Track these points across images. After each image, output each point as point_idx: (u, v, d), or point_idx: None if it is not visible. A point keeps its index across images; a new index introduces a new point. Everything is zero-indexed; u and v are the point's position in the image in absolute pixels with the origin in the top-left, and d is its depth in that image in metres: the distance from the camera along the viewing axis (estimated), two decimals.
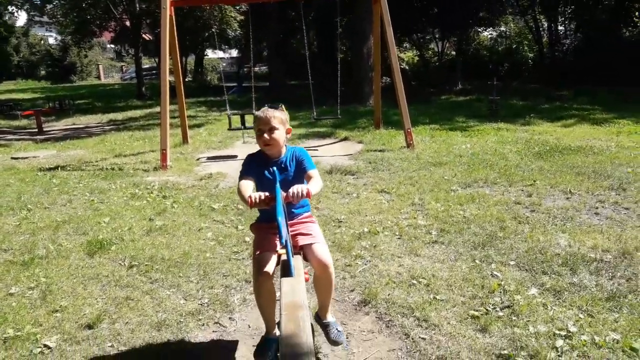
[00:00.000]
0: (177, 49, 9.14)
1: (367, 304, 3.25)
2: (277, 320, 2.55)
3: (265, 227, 2.56)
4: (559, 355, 2.57)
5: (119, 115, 15.70)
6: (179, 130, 9.98)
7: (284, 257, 2.20)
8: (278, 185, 2.23)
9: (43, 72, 37.91)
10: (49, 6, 24.19)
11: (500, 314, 2.98)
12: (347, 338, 2.92)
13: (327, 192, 5.83)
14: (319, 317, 2.70)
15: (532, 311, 2.98)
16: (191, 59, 34.09)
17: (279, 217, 1.96)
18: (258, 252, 2.41)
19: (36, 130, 12.88)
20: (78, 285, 3.67)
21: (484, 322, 2.88)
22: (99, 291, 3.58)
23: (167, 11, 8.05)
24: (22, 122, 14.73)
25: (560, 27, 21.82)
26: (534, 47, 22.37)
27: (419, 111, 12.21)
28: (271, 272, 2.33)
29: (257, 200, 2.19)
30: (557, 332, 2.75)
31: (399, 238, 4.29)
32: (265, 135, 2.47)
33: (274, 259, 2.38)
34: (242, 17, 22.15)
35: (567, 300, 3.09)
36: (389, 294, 3.32)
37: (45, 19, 27.22)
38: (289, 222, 2.37)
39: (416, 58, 26.09)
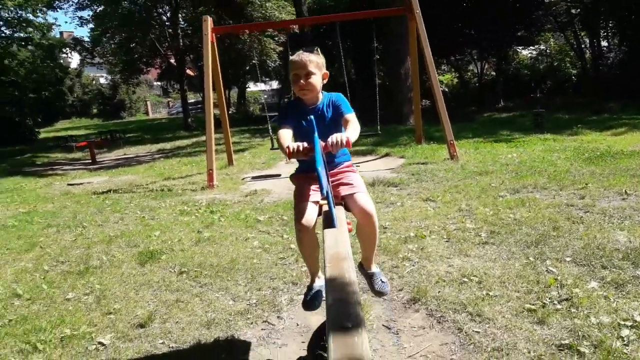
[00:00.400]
0: (221, 82, 9.43)
1: (416, 301, 3.18)
2: (321, 268, 2.52)
3: (305, 177, 2.44)
4: (625, 344, 2.43)
5: (167, 145, 16.25)
6: (224, 155, 10.22)
7: (325, 207, 2.11)
8: (316, 134, 2.12)
9: (95, 110, 39.86)
10: (98, 47, 25.56)
11: (559, 306, 2.85)
12: (397, 334, 2.86)
13: None
14: (363, 268, 2.59)
15: (593, 303, 2.84)
16: (234, 92, 35.11)
17: (318, 168, 1.88)
18: (298, 203, 2.32)
19: (90, 161, 13.48)
20: (130, 291, 3.76)
21: (541, 315, 2.77)
22: (150, 295, 3.66)
23: (209, 37, 8.37)
24: (77, 154, 15.48)
25: (603, 43, 21.29)
26: (577, 63, 21.84)
27: (461, 128, 12.05)
28: (313, 223, 2.24)
29: (296, 151, 2.11)
30: (622, 322, 2.61)
31: (447, 241, 4.21)
32: (302, 80, 2.35)
33: (314, 208, 2.28)
34: (281, 49, 22.74)
35: (630, 293, 2.93)
36: (439, 292, 3.24)
37: (96, 60, 28.77)
38: (329, 172, 2.28)
39: (455, 80, 25.94)
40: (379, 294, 2.56)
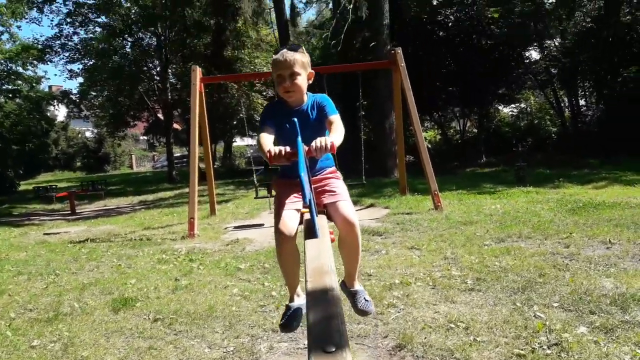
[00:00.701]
0: (207, 134, 9.44)
1: (402, 348, 3.04)
2: (301, 284, 2.36)
3: (287, 183, 2.31)
4: None
5: (149, 197, 16.06)
6: (207, 205, 10.09)
7: (307, 216, 1.99)
8: (299, 139, 1.98)
9: (79, 164, 39.64)
10: (86, 99, 25.75)
11: (548, 351, 2.74)
12: None
13: None
14: (345, 285, 2.42)
15: (583, 348, 2.73)
16: (220, 146, 35.32)
17: (301, 174, 1.78)
18: (278, 210, 2.20)
19: (69, 212, 13.21)
20: (100, 338, 3.56)
21: None
22: (122, 342, 3.46)
23: (197, 87, 8.46)
24: (57, 205, 15.18)
25: (581, 101, 22.00)
26: (557, 121, 22.48)
27: (444, 181, 12.13)
28: (294, 231, 2.10)
29: (278, 155, 1.99)
30: None
31: (432, 288, 4.09)
32: (287, 82, 2.23)
33: (296, 216, 2.15)
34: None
35: (620, 337, 2.83)
36: (425, 338, 3.11)
37: (83, 113, 28.90)
38: (312, 178, 2.16)
39: (438, 136, 26.45)
40: (363, 313, 2.40)
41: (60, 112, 32.26)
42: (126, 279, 5.19)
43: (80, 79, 24.35)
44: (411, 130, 8.87)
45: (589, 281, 3.84)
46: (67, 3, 20.27)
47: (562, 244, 5.20)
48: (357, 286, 2.42)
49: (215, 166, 24.49)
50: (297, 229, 2.14)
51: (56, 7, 20.50)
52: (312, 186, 2.10)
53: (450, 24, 20.03)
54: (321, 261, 1.54)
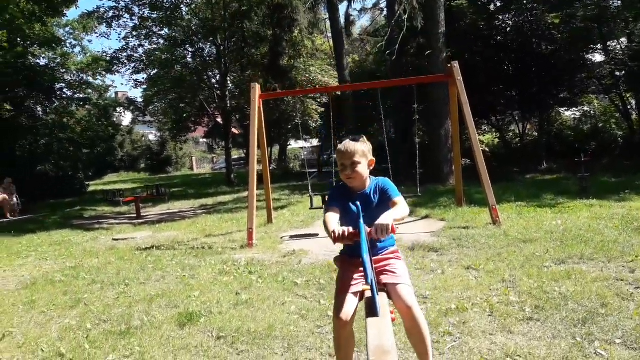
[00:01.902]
0: (265, 141, 9.76)
1: None
2: None
3: (348, 262, 2.48)
4: None
5: (209, 201, 16.66)
6: (264, 212, 10.39)
7: (368, 293, 2.10)
8: (362, 221, 2.15)
9: (143, 165, 41.56)
10: (150, 107, 27.03)
11: None
12: None
13: (410, 268, 5.72)
14: None
15: None
16: (275, 149, 36.01)
17: (364, 255, 1.91)
18: (339, 293, 2.35)
19: (135, 215, 13.93)
20: (169, 355, 3.80)
21: None
22: None
23: (256, 103, 8.74)
24: (123, 208, 16.07)
25: None
26: (623, 125, 21.36)
27: (503, 189, 11.86)
28: (350, 315, 2.24)
29: (341, 236, 2.14)
30: None
31: (489, 315, 4.08)
32: (348, 170, 2.44)
33: (354, 301, 2.30)
34: (323, 109, 23.40)
35: None
36: None
37: (147, 118, 30.33)
38: (374, 258, 2.30)
39: (496, 140, 25.74)
40: None
41: (125, 117, 34.04)
42: (190, 291, 5.47)
43: (145, 87, 25.60)
44: (468, 135, 8.77)
45: None
46: (133, 18, 21.35)
47: (627, 268, 5.02)
48: None
49: (270, 168, 25.13)
50: (355, 312, 2.28)
51: (123, 21, 21.67)
52: (374, 265, 2.23)
53: (508, 29, 19.49)
54: (382, 340, 1.63)
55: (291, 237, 8.60)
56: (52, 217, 14.92)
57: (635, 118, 20.69)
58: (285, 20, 17.64)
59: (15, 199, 16.40)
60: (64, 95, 23.74)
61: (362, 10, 22.07)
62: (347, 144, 2.47)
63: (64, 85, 23.23)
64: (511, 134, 24.82)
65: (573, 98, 20.49)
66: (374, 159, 2.57)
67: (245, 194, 8.85)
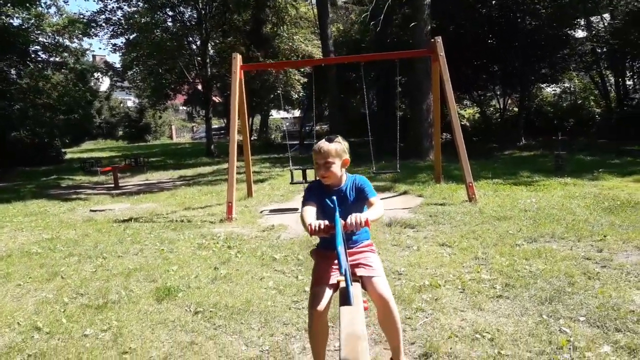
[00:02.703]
0: (246, 112, 9.67)
1: (428, 357, 3.17)
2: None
3: (325, 254, 2.60)
4: None
5: (188, 172, 16.55)
6: (244, 185, 10.38)
7: (342, 284, 2.19)
8: (337, 214, 2.25)
9: (121, 133, 40.86)
10: (129, 72, 26.39)
11: None
12: None
13: (387, 244, 5.83)
14: None
15: None
16: (257, 119, 35.69)
17: (338, 247, 1.99)
18: (314, 285, 2.46)
19: (113, 185, 13.78)
20: (146, 329, 3.84)
21: None
22: (166, 335, 3.73)
23: (237, 75, 8.61)
24: (101, 178, 15.86)
25: (628, 82, 21.10)
26: (601, 102, 21.69)
27: (481, 166, 12.04)
28: (324, 307, 2.36)
29: (317, 229, 2.24)
30: None
31: (461, 292, 4.20)
32: (322, 169, 2.55)
33: (329, 293, 2.42)
34: (306, 80, 23.16)
35: None
36: (451, 348, 3.23)
37: (125, 84, 29.65)
38: (349, 251, 2.41)
39: (477, 115, 25.93)
40: None
41: (104, 82, 33.21)
42: (168, 265, 5.49)
43: (124, 52, 24.91)
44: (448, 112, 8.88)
45: (618, 293, 3.87)
46: None
47: (595, 247, 5.19)
48: None
49: (251, 139, 24.95)
50: (328, 304, 2.39)
51: None
52: (349, 257, 2.34)
53: (493, 2, 19.39)
54: (354, 327, 1.69)
55: (271, 211, 8.64)
56: (27, 186, 14.67)
57: (613, 96, 21.01)
58: None
59: None
60: (39, 59, 22.98)
61: None
62: (322, 145, 2.56)
63: (39, 47, 22.45)
64: (492, 109, 25.01)
65: (554, 74, 20.67)
66: (348, 158, 2.65)
67: (225, 165, 8.83)
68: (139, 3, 22.52)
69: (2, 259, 6.20)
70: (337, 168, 2.57)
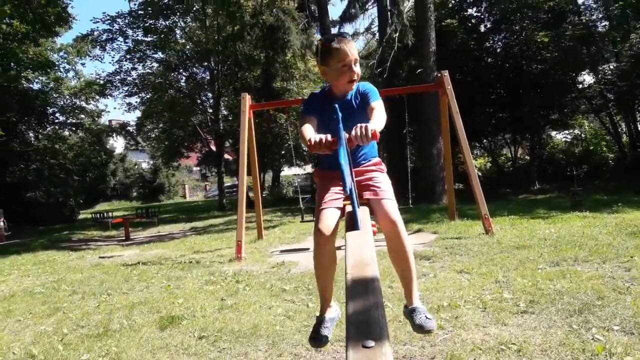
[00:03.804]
0: (256, 162, 9.65)
1: None
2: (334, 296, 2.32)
3: (328, 175, 2.27)
4: None
5: (200, 224, 16.43)
6: (255, 230, 10.22)
7: (349, 207, 1.95)
8: (341, 126, 1.96)
9: (135, 193, 41.24)
10: (144, 129, 26.95)
11: None
12: None
13: None
14: (405, 307, 2.27)
15: None
16: (268, 176, 35.91)
17: (341, 162, 1.76)
18: (319, 207, 2.16)
19: (124, 238, 13.67)
20: (146, 354, 3.61)
21: None
22: (167, 358, 3.49)
23: (247, 114, 8.69)
24: (112, 232, 15.79)
25: None
26: (613, 147, 21.51)
27: (496, 206, 11.76)
28: (331, 230, 2.07)
29: (319, 143, 1.94)
30: None
31: (482, 310, 3.93)
32: (352, 69, 2.21)
33: (336, 214, 2.12)
34: None
35: None
36: (474, 359, 2.97)
37: (140, 142, 30.26)
38: (354, 169, 2.10)
39: (489, 164, 25.81)
40: (421, 329, 2.10)
41: (118, 144, 33.94)
42: (174, 298, 5.27)
43: (138, 112, 25.60)
44: (460, 157, 8.78)
45: None
46: (127, 41, 21.47)
47: (622, 267, 4.90)
48: (417, 303, 2.20)
49: (263, 195, 24.95)
50: (336, 229, 2.10)
51: (117, 45, 21.77)
52: (355, 177, 2.03)
53: (498, 50, 19.78)
54: (362, 253, 1.51)
55: (281, 251, 8.41)
56: (39, 240, 14.63)
57: (625, 140, 20.86)
58: (278, 42, 17.80)
59: (2, 224, 16.11)
60: (56, 120, 23.67)
61: (354, 34, 22.35)
62: (344, 40, 2.22)
63: (56, 109, 23.18)
64: (503, 158, 24.92)
65: (564, 119, 20.66)
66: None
67: (237, 217, 8.61)
68: (154, 64, 23.35)
69: (5, 299, 6.04)
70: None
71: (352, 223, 1.81)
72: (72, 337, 4.15)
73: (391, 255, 2.20)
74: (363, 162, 2.33)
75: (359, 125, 1.92)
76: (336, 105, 2.10)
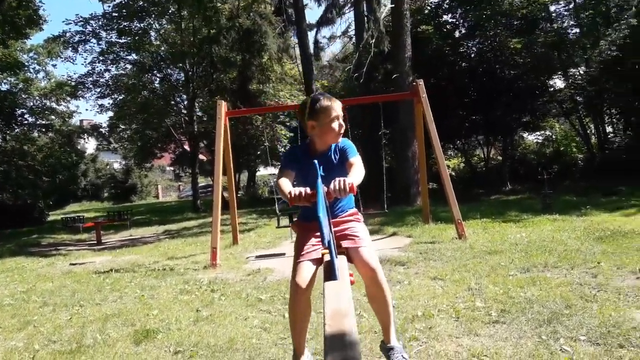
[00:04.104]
0: (231, 164, 9.63)
1: None
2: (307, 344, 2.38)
3: (307, 226, 2.38)
4: None
5: (173, 226, 16.25)
6: (230, 235, 10.17)
7: (326, 257, 2.01)
8: (319, 180, 2.03)
9: (106, 194, 40.49)
10: (116, 131, 26.49)
11: None
12: None
13: None
14: (383, 343, 2.38)
15: None
16: (244, 176, 35.69)
17: (319, 215, 1.81)
18: (296, 259, 2.25)
19: (95, 242, 13.44)
20: None
21: None
22: None
23: (222, 120, 8.64)
24: (83, 235, 15.48)
25: (608, 128, 21.65)
26: (583, 147, 22.12)
27: (469, 208, 11.96)
28: (307, 282, 2.15)
29: (298, 196, 2.04)
30: None
31: (455, 320, 4.00)
32: (339, 125, 2.33)
33: (312, 268, 2.20)
34: (292, 134, 23.42)
35: None
36: None
37: (112, 145, 29.70)
38: (332, 220, 2.20)
39: (462, 164, 26.24)
40: None
41: (89, 144, 33.28)
42: (149, 309, 5.21)
43: (110, 113, 25.14)
44: (434, 158, 8.95)
45: (617, 313, 3.71)
46: (100, 43, 21.07)
47: (589, 273, 5.05)
48: (394, 342, 2.33)
49: (238, 195, 24.78)
50: (312, 282, 2.20)
51: (90, 46, 21.35)
52: (333, 228, 2.14)
53: (472, 55, 20.08)
54: (340, 304, 1.54)
55: (257, 257, 8.40)
56: (6, 245, 14.23)
57: (594, 142, 21.46)
58: (255, 45, 17.74)
59: None
60: (25, 122, 23.05)
61: (331, 38, 22.49)
62: (331, 99, 2.36)
63: (25, 111, 22.57)
64: (476, 158, 25.35)
65: (535, 122, 21.15)
66: None
67: (211, 219, 8.59)
68: (127, 66, 22.97)
69: None
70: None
71: (330, 273, 1.85)
72: (43, 354, 4.07)
73: (370, 300, 2.31)
74: (340, 213, 2.43)
75: (337, 179, 2.01)
76: (316, 161, 2.19)
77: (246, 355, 3.67)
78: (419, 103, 8.72)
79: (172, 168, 43.03)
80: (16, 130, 22.81)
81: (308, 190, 2.06)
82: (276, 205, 10.37)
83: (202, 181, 34.29)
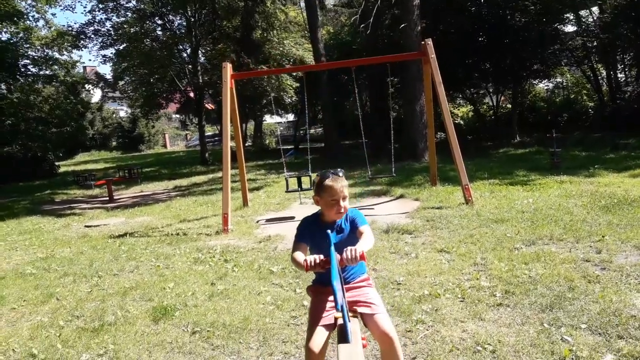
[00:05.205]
0: (238, 117, 9.63)
1: None
2: None
3: (321, 290, 2.56)
4: None
5: (183, 182, 16.46)
6: (240, 193, 10.32)
7: (340, 320, 2.16)
8: (333, 248, 2.22)
9: (114, 143, 40.67)
10: (120, 83, 26.27)
11: None
12: None
13: (385, 252, 5.78)
14: None
15: None
16: (250, 125, 35.61)
17: (334, 282, 1.96)
18: (311, 324, 2.42)
19: (107, 198, 13.69)
20: (143, 352, 3.78)
21: None
22: (163, 358, 3.67)
23: (228, 84, 8.56)
24: (95, 191, 15.77)
25: (620, 75, 21.15)
26: (594, 96, 21.75)
27: (477, 165, 12.02)
28: (321, 347, 2.32)
29: (313, 264, 2.21)
30: None
31: (461, 301, 4.16)
32: (340, 205, 2.50)
33: (325, 333, 2.37)
34: (298, 84, 23.12)
35: None
36: None
37: (117, 94, 29.52)
38: (345, 286, 2.37)
39: (471, 113, 25.97)
40: None
41: (95, 94, 33.11)
42: (165, 282, 5.42)
43: (114, 63, 24.77)
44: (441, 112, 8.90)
45: (618, 297, 3.84)
46: None
47: (594, 248, 5.16)
48: None
49: (246, 146, 24.83)
50: (325, 345, 2.36)
51: None
52: (346, 293, 2.29)
53: (482, 0, 19.41)
54: None
55: (267, 220, 8.57)
56: (21, 202, 14.56)
57: (605, 89, 21.07)
58: None
59: None
60: (29, 72, 22.83)
61: None
62: (337, 180, 2.51)
63: (28, 61, 22.31)
64: (485, 107, 25.05)
65: (546, 70, 20.71)
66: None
67: (220, 174, 8.72)
68: (127, 13, 22.42)
69: None
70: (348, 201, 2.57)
71: (343, 336, 1.96)
72: (68, 331, 4.30)
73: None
74: (353, 279, 2.60)
75: (349, 248, 2.18)
76: (329, 231, 2.37)
77: (260, 336, 3.86)
78: (427, 63, 8.57)
79: (178, 116, 42.90)
80: (20, 82, 22.65)
81: (322, 257, 2.23)
82: (283, 161, 10.48)
83: (208, 130, 34.29)
